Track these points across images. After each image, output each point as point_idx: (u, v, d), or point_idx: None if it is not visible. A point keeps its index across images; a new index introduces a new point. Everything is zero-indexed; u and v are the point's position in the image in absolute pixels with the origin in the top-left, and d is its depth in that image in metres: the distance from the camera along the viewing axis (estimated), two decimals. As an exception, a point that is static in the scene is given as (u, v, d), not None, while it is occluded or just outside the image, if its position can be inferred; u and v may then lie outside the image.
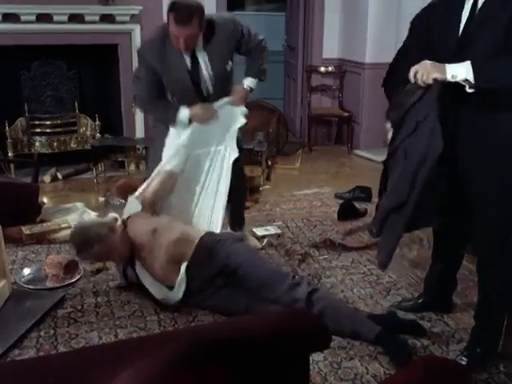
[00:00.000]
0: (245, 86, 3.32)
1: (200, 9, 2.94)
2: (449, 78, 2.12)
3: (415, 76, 2.19)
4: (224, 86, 3.25)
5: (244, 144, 5.13)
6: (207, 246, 2.92)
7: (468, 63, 2.09)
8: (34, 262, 3.48)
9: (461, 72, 2.10)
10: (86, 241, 2.92)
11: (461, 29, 2.21)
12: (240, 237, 3.18)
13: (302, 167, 5.77)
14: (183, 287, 2.88)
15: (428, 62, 2.19)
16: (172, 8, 2.89)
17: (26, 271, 3.25)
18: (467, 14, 2.20)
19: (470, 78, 2.08)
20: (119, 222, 3.04)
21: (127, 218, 3.08)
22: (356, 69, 6.28)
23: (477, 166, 2.28)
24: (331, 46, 6.55)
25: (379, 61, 5.97)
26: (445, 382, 1.93)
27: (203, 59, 3.12)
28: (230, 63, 3.24)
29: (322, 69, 6.53)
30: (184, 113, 3.13)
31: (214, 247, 2.90)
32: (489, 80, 2.11)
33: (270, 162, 5.52)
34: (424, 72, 2.16)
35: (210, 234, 3.04)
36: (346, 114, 6.41)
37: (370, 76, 6.02)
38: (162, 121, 3.29)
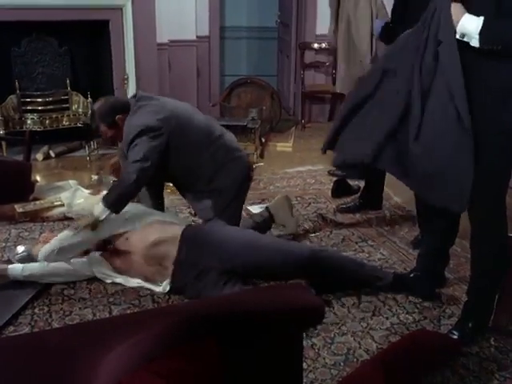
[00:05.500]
0: (95, 214, 2.90)
1: (100, 114, 3.03)
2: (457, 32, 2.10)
3: None
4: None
5: (237, 121, 5.17)
6: (193, 238, 2.88)
7: (481, 19, 2.03)
8: (27, 239, 3.48)
9: (471, 26, 2.05)
10: None
11: None
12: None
13: (296, 144, 5.75)
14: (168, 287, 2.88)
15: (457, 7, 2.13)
16: None
17: (20, 249, 3.23)
18: None
19: (476, 36, 2.04)
20: None
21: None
22: (350, 45, 6.23)
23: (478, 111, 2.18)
24: (325, 22, 6.44)
25: (372, 37, 5.94)
26: (436, 354, 1.96)
27: None
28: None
29: (316, 45, 6.46)
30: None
31: (201, 237, 2.89)
32: (494, 42, 2.05)
33: (263, 140, 5.50)
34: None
35: (191, 227, 3.02)
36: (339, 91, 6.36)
37: (364, 52, 5.98)
38: None
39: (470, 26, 2.07)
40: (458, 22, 2.10)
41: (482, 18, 2.04)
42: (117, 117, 3.00)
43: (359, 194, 4.02)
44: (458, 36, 2.11)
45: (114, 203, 2.86)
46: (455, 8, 2.12)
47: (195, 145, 3.06)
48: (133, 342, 1.41)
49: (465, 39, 2.10)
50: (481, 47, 2.06)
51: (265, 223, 3.41)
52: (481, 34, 2.04)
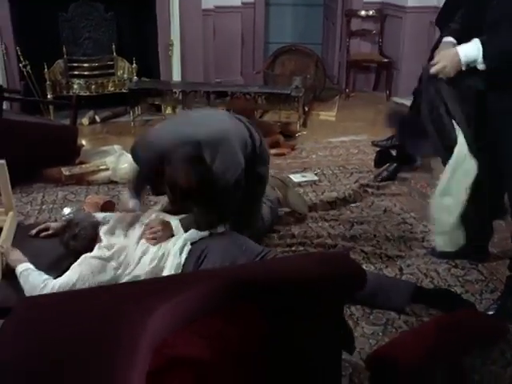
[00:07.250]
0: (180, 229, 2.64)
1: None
2: (463, 64, 2.18)
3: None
4: None
5: (281, 89, 5.13)
6: None
7: (477, 41, 2.13)
8: (73, 201, 3.56)
9: (472, 51, 2.14)
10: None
11: None
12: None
13: (339, 114, 5.69)
14: None
15: (446, 51, 2.26)
16: None
17: (66, 210, 3.34)
18: None
19: (480, 56, 2.12)
20: None
21: None
22: (397, 12, 6.08)
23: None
24: (373, -11, 6.34)
25: (422, 4, 5.77)
26: (480, 338, 1.95)
27: None
28: None
29: (363, 12, 6.34)
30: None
31: None
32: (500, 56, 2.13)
33: (306, 108, 5.46)
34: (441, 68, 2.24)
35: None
36: (385, 60, 6.25)
37: (412, 20, 5.84)
38: None
39: (471, 52, 2.15)
40: (457, 60, 2.18)
41: (476, 40, 2.13)
42: None
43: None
44: (463, 68, 2.20)
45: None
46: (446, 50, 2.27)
47: None
48: (176, 302, 1.44)
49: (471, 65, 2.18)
50: (488, 66, 2.13)
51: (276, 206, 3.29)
52: (484, 53, 2.11)
